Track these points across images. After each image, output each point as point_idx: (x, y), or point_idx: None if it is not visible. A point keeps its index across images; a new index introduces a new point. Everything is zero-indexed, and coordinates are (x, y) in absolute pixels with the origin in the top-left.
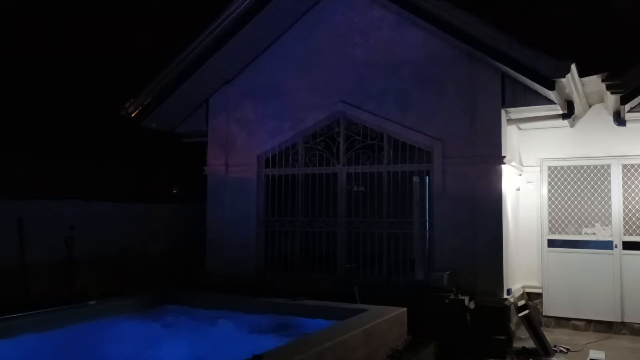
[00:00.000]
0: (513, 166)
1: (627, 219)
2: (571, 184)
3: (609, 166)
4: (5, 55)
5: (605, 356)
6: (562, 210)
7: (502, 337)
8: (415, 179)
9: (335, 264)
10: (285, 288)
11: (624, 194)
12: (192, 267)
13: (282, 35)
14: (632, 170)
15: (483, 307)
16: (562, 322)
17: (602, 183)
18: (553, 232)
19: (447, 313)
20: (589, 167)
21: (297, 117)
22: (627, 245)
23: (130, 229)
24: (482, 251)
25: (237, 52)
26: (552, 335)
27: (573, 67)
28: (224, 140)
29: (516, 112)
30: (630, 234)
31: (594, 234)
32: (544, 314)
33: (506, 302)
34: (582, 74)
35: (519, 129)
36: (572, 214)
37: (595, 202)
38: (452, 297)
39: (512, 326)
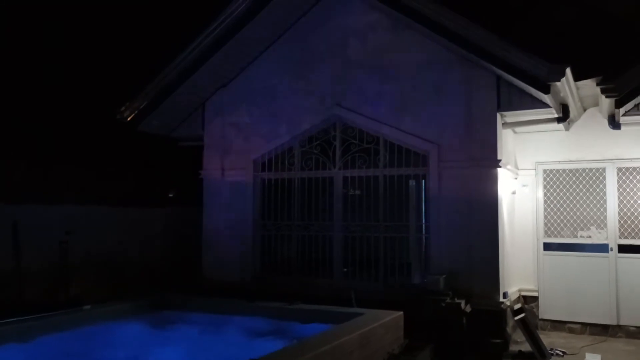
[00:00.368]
0: (509, 169)
1: (622, 222)
2: (567, 187)
3: (604, 169)
4: (0, 60)
5: (602, 359)
6: (558, 213)
7: (498, 341)
8: (412, 182)
9: (331, 267)
10: (281, 292)
11: (619, 197)
12: (188, 272)
13: (278, 39)
14: (627, 173)
15: (479, 310)
16: (558, 325)
17: (598, 186)
18: (549, 236)
19: (443, 316)
20: (584, 170)
21: (293, 121)
22: (623, 249)
23: (126, 233)
24: (478, 254)
25: (233, 56)
26: (549, 339)
27: (568, 70)
28: (220, 144)
29: (511, 116)
30: (626, 237)
31: (590, 237)
32: (540, 317)
33: (502, 306)
34: (577, 77)
35: (515, 132)
36: (568, 217)
37: (591, 206)
38: (448, 300)
39: (509, 329)
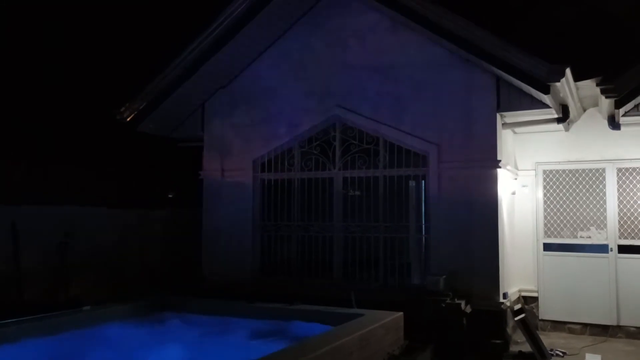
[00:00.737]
0: (508, 170)
1: (622, 222)
2: (566, 187)
3: (603, 170)
4: (0, 60)
5: (602, 359)
6: (558, 213)
7: (498, 341)
8: (411, 183)
9: (331, 268)
10: (281, 293)
11: (619, 198)
12: (187, 273)
13: (278, 39)
14: (626, 173)
15: (479, 311)
16: (558, 325)
17: (597, 187)
18: (549, 236)
19: (443, 317)
20: (584, 170)
21: (292, 122)
22: (623, 249)
23: (126, 234)
24: (478, 255)
25: (233, 56)
26: (549, 339)
27: (568, 71)
28: (219, 145)
29: (511, 116)
30: (626, 238)
31: (590, 237)
32: (540, 318)
33: (502, 306)
34: (577, 78)
35: (514, 132)
36: (568, 218)
37: (591, 206)
38: (448, 301)
39: (509, 330)
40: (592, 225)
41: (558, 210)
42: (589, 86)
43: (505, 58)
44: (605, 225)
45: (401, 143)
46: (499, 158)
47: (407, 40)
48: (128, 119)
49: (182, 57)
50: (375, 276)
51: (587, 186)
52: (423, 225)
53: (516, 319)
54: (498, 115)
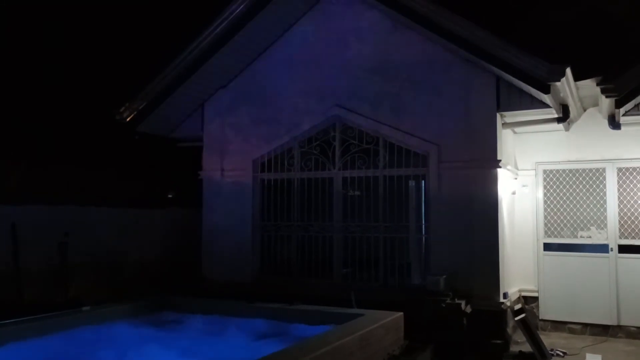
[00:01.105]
0: (508, 170)
1: (622, 222)
2: (566, 187)
3: (604, 169)
4: (1, 60)
5: (602, 359)
6: (558, 213)
7: (498, 341)
8: (411, 183)
9: (331, 268)
10: (281, 293)
11: (619, 197)
12: (187, 273)
13: (277, 39)
14: (627, 173)
15: (479, 311)
16: (558, 325)
17: (598, 186)
18: (549, 236)
19: (443, 317)
20: (584, 170)
21: (292, 122)
22: (623, 249)
23: (125, 235)
24: (478, 255)
25: (233, 56)
26: (549, 339)
27: (568, 70)
28: (219, 145)
29: (511, 116)
30: (626, 237)
31: (590, 237)
32: (540, 318)
33: (502, 306)
34: (577, 77)
35: (514, 132)
36: (568, 218)
37: (591, 206)
38: (448, 301)
39: (509, 330)
40: (592, 225)
41: (558, 210)
42: (589, 86)
43: (505, 58)
44: (605, 225)
45: (401, 143)
46: (499, 158)
47: (407, 39)
48: (128, 119)
49: (182, 57)
50: (375, 276)
51: (587, 186)
52: (423, 225)
53: (516, 319)
54: (498, 115)
